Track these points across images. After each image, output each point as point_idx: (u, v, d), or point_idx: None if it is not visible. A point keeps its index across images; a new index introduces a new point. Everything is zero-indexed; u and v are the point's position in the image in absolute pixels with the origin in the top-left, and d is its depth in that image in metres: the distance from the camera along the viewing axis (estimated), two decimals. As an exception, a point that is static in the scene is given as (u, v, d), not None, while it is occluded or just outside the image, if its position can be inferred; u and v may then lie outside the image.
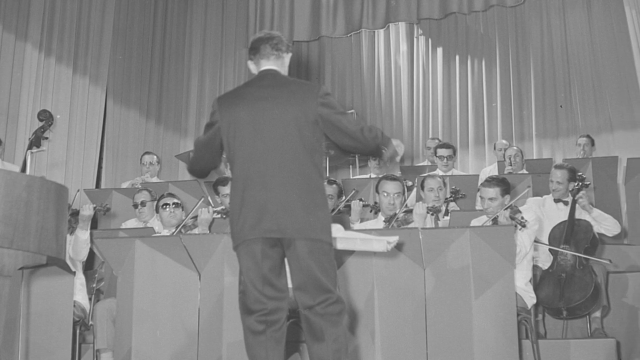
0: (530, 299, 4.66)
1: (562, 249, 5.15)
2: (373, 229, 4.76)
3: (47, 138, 5.13)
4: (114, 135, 9.28)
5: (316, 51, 11.18)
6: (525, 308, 4.57)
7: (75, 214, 5.15)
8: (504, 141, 8.61)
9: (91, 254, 5.43)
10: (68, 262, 4.78)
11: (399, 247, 4.02)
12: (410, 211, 5.04)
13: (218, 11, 10.97)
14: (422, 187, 5.55)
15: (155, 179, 7.51)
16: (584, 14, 9.64)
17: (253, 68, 3.34)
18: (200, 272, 4.41)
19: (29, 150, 5.05)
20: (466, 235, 4.08)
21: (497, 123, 10.03)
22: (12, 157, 7.41)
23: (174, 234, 5.00)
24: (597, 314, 5.12)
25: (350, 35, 10.59)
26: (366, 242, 3.36)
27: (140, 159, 7.76)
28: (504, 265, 4.07)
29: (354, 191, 6.13)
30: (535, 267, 5.09)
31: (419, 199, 5.67)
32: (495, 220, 4.64)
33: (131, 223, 6.12)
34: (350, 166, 8.74)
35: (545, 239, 5.31)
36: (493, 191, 4.76)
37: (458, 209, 5.79)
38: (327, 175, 6.98)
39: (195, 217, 5.21)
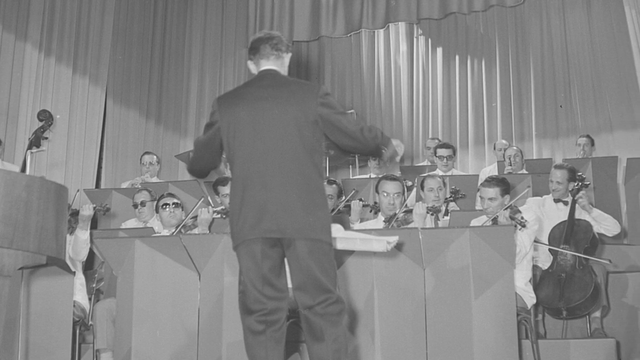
0: (530, 299, 4.66)
1: (562, 249, 5.15)
2: (373, 229, 4.76)
3: (46, 138, 5.13)
4: (113, 135, 9.28)
5: (316, 51, 11.18)
6: (525, 308, 4.57)
7: (75, 214, 5.15)
8: (503, 141, 8.61)
9: (91, 254, 5.43)
10: (68, 262, 4.78)
11: (398, 247, 4.02)
12: (410, 211, 5.04)
13: (218, 11, 10.97)
14: (422, 187, 5.55)
15: (155, 179, 7.51)
16: (584, 14, 9.64)
17: (253, 68, 3.34)
18: (200, 272, 4.41)
19: (28, 150, 5.06)
20: (466, 235, 4.08)
21: (497, 123, 10.03)
22: (11, 157, 7.41)
23: (174, 234, 5.00)
24: (597, 314, 5.12)
25: (350, 35, 10.58)
26: (366, 242, 3.36)
27: (140, 159, 7.76)
28: (504, 265, 4.07)
29: (353, 191, 6.13)
30: (535, 267, 5.09)
31: (418, 199, 5.67)
32: (495, 220, 4.64)
33: (131, 223, 6.12)
34: (350, 166, 8.74)
35: (545, 239, 5.31)
36: (493, 191, 4.76)
37: (458, 209, 5.79)
38: (327, 175, 6.98)
39: (195, 217, 5.21)
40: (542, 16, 9.97)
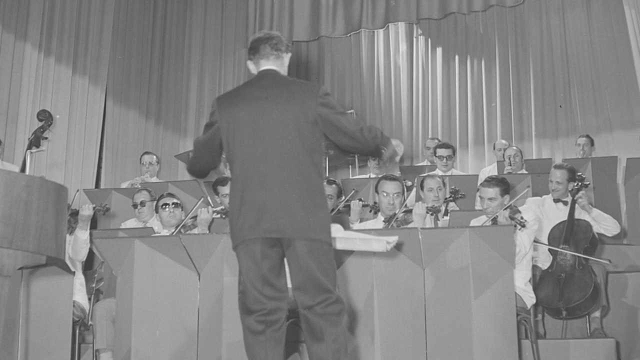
0: (529, 299, 4.66)
1: (562, 249, 5.15)
2: (372, 229, 4.76)
3: (46, 138, 5.13)
4: (113, 135, 9.28)
5: (316, 51, 11.17)
6: (524, 308, 4.57)
7: (75, 214, 5.15)
8: (503, 141, 8.61)
9: (91, 254, 5.43)
10: (67, 262, 4.78)
11: (398, 247, 4.02)
12: (409, 211, 5.04)
13: (217, 11, 10.97)
14: (422, 187, 5.55)
15: (154, 179, 7.51)
16: (584, 14, 9.64)
17: (252, 68, 3.34)
18: (199, 272, 4.41)
19: (28, 150, 5.05)
20: (466, 235, 4.08)
21: (496, 123, 10.03)
22: (11, 157, 7.41)
23: (174, 234, 5.00)
24: (597, 314, 5.12)
25: (350, 35, 10.58)
26: (366, 242, 3.36)
27: (140, 159, 7.76)
28: (504, 265, 4.07)
29: (353, 191, 6.13)
30: (534, 267, 5.10)
31: (418, 199, 5.67)
32: (494, 220, 4.64)
33: (131, 223, 6.12)
34: (350, 166, 8.74)
35: (544, 239, 5.31)
36: (492, 191, 4.76)
37: (457, 209, 5.79)
38: (327, 175, 6.99)
39: (195, 217, 5.21)
40: (541, 16, 9.98)
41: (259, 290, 3.06)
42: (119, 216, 6.70)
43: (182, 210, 5.37)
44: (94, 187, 8.54)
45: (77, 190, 7.00)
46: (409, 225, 4.92)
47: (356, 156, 8.00)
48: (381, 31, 10.72)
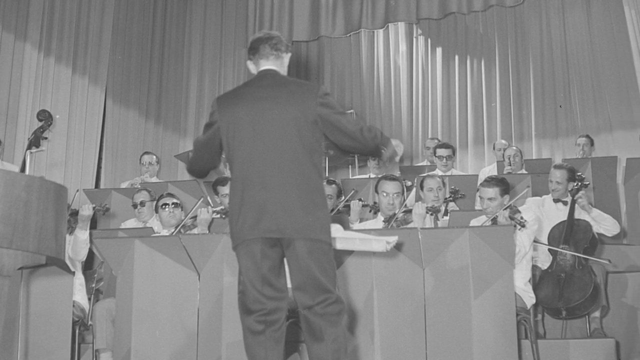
0: (529, 299, 4.66)
1: (562, 249, 5.15)
2: (372, 229, 4.76)
3: (46, 138, 5.13)
4: (113, 135, 9.28)
5: (315, 51, 11.17)
6: (524, 308, 4.57)
7: (75, 214, 5.15)
8: (503, 141, 8.61)
9: (90, 254, 5.42)
10: (67, 262, 4.78)
11: (398, 247, 4.02)
12: (409, 211, 5.04)
13: (217, 11, 10.97)
14: (422, 187, 5.55)
15: (154, 179, 7.51)
16: (583, 14, 9.64)
17: (252, 68, 3.34)
18: (199, 272, 4.41)
19: (28, 150, 5.05)
20: (465, 235, 4.08)
21: (496, 123, 10.03)
22: (11, 157, 7.41)
23: (173, 234, 5.00)
24: (597, 314, 5.12)
25: (350, 35, 10.58)
26: (365, 242, 3.36)
27: (140, 159, 7.76)
28: (503, 265, 4.07)
29: (353, 191, 6.13)
30: (534, 267, 5.10)
31: (418, 199, 5.67)
32: (494, 220, 4.64)
33: (130, 223, 6.12)
34: (350, 166, 8.74)
35: (544, 239, 5.31)
36: (492, 191, 4.76)
37: (457, 209, 5.79)
38: (327, 175, 6.99)
39: (195, 217, 5.21)
40: (541, 16, 9.98)
41: (258, 290, 3.06)
42: (119, 216, 6.70)
43: (181, 210, 5.37)
44: (93, 187, 8.54)
45: (77, 190, 7.00)
46: (409, 225, 4.92)
47: (356, 156, 8.00)
48: (381, 31, 10.72)
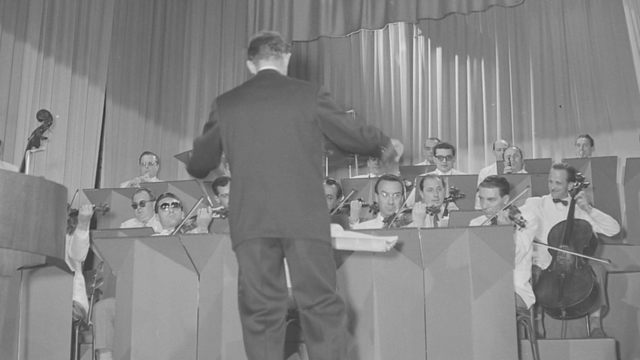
0: (529, 299, 4.66)
1: (561, 249, 5.15)
2: (372, 229, 4.76)
3: (46, 138, 5.13)
4: (113, 135, 9.28)
5: (315, 51, 11.17)
6: (524, 308, 4.57)
7: (75, 214, 5.15)
8: (503, 141, 8.61)
9: (90, 254, 5.42)
10: (67, 262, 4.78)
11: (398, 247, 4.02)
12: (409, 211, 5.04)
13: (217, 11, 10.97)
14: (421, 187, 5.55)
15: (154, 179, 7.51)
16: (583, 14, 9.64)
17: (252, 68, 3.34)
18: (199, 272, 4.41)
19: (28, 150, 5.05)
20: (465, 235, 4.08)
21: (496, 123, 10.03)
22: (11, 157, 7.41)
23: (173, 234, 5.00)
24: (596, 314, 5.12)
25: (350, 35, 10.58)
26: (365, 242, 3.36)
27: (140, 159, 7.76)
28: (503, 265, 4.07)
29: (353, 191, 6.13)
30: (534, 267, 5.10)
31: (418, 199, 5.67)
32: (494, 220, 4.64)
33: (130, 223, 6.12)
34: (350, 166, 8.74)
35: (544, 239, 5.31)
36: (492, 191, 4.76)
37: (457, 209, 5.79)
38: (327, 175, 6.98)
39: (195, 217, 5.21)
40: (541, 16, 9.97)
41: (258, 290, 3.06)
42: (119, 216, 6.70)
43: (181, 210, 5.37)
44: (93, 187, 8.55)
45: (77, 190, 7.00)
46: (409, 225, 4.92)
47: (356, 156, 8.00)
48: (381, 31, 10.72)
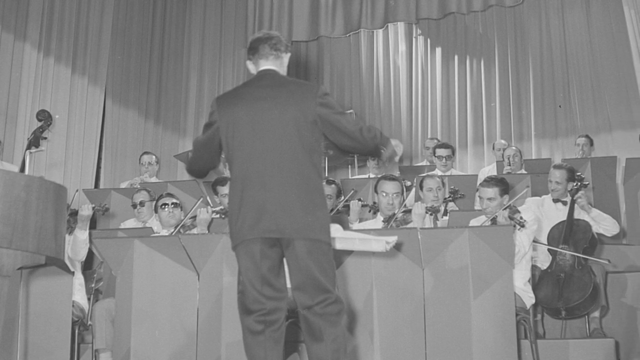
0: (529, 299, 4.66)
1: (561, 249, 5.15)
2: (372, 229, 4.76)
3: (45, 138, 5.13)
4: (112, 135, 9.28)
5: (315, 51, 11.17)
6: (524, 308, 4.57)
7: (74, 214, 5.15)
8: (502, 141, 8.61)
9: (90, 254, 5.42)
10: (67, 262, 4.78)
11: (397, 247, 4.02)
12: (409, 211, 5.04)
13: (217, 11, 10.97)
14: (421, 187, 5.55)
15: (154, 179, 7.51)
16: (583, 14, 9.65)
17: (252, 68, 3.35)
18: (199, 272, 4.41)
19: (27, 150, 5.05)
20: (465, 235, 4.08)
21: (496, 123, 10.03)
22: (10, 157, 7.41)
23: (173, 234, 5.00)
24: (596, 314, 5.12)
25: (349, 35, 10.58)
26: (365, 242, 3.36)
27: (139, 159, 7.76)
28: (503, 265, 4.07)
29: (352, 191, 6.13)
30: (534, 267, 5.10)
31: (417, 199, 5.67)
32: (494, 220, 4.64)
33: (130, 223, 6.12)
34: (349, 166, 8.74)
35: (544, 239, 5.31)
36: (492, 191, 4.76)
37: (457, 209, 5.79)
38: (326, 175, 6.99)
39: (194, 217, 5.21)
40: (541, 16, 9.98)
41: (258, 290, 3.06)
42: (118, 216, 6.70)
43: (181, 210, 5.37)
44: (93, 187, 8.55)
45: (77, 190, 6.99)
46: (408, 225, 4.92)
47: (355, 156, 7.99)
48: (380, 31, 10.72)
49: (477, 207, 5.75)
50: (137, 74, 9.84)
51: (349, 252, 4.14)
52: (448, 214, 5.43)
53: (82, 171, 8.58)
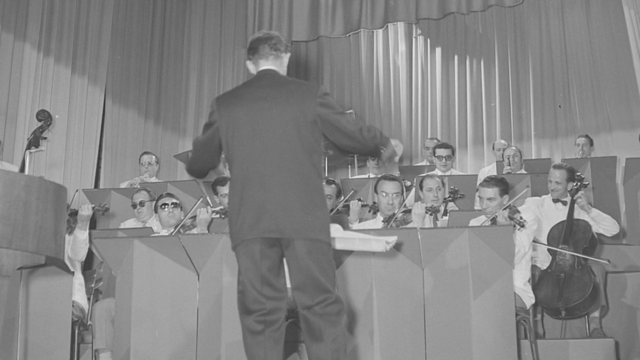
0: (528, 299, 4.66)
1: (561, 249, 5.15)
2: (372, 229, 4.76)
3: (45, 138, 5.13)
4: (112, 135, 9.28)
5: (315, 51, 11.17)
6: (524, 308, 4.57)
7: (74, 214, 5.15)
8: (502, 141, 8.61)
9: (90, 254, 5.42)
10: (67, 262, 4.78)
11: (397, 247, 4.02)
12: (409, 211, 5.04)
13: (217, 11, 10.97)
14: (421, 187, 5.55)
15: (153, 179, 7.51)
16: (583, 14, 9.65)
17: (252, 68, 3.34)
18: (199, 272, 4.41)
19: (27, 150, 5.05)
20: (465, 235, 4.08)
21: (495, 123, 10.03)
22: (10, 157, 7.41)
23: (173, 234, 5.00)
24: (596, 314, 5.12)
25: (349, 35, 10.58)
26: (365, 242, 3.36)
27: (139, 159, 7.76)
28: (503, 265, 4.07)
29: (352, 191, 6.13)
30: (534, 267, 5.09)
31: (417, 199, 5.66)
32: (494, 220, 4.64)
33: (130, 223, 6.12)
34: (349, 166, 8.74)
35: (544, 239, 5.31)
36: (492, 191, 4.76)
37: (457, 209, 5.79)
38: (326, 175, 6.99)
39: (194, 217, 5.21)
40: (541, 16, 9.98)
41: (258, 290, 3.06)
42: (118, 216, 6.70)
43: (181, 210, 5.37)
44: (93, 187, 8.55)
45: (77, 190, 6.99)
46: (408, 225, 4.92)
47: (355, 156, 7.99)
48: (380, 31, 10.71)
49: (477, 207, 5.75)
50: (137, 74, 9.84)
51: (349, 252, 4.14)
52: (448, 214, 5.43)
53: (82, 171, 8.59)
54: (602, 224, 5.44)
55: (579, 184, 5.57)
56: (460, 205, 6.00)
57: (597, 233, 5.34)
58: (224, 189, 5.66)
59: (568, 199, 5.54)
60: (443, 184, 5.73)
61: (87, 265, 5.64)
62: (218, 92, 10.11)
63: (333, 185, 6.09)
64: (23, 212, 2.38)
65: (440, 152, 7.12)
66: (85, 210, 5.11)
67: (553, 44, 9.83)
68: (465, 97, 10.28)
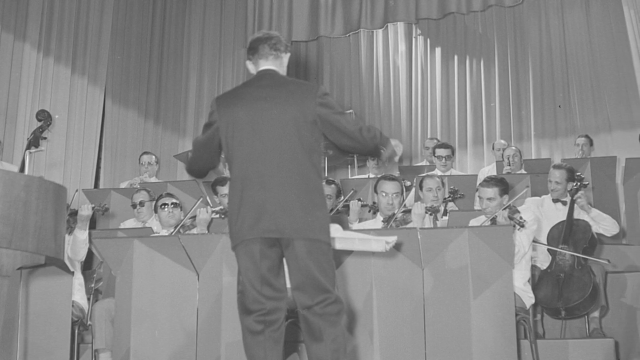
0: (528, 299, 4.66)
1: (561, 249, 5.15)
2: (372, 229, 4.76)
3: (45, 138, 5.13)
4: (112, 135, 9.28)
5: (315, 51, 11.17)
6: (523, 308, 4.57)
7: (74, 214, 5.15)
8: (502, 141, 8.61)
9: (90, 254, 5.42)
10: (66, 262, 4.78)
11: (397, 247, 4.02)
12: (408, 211, 5.04)
13: (216, 11, 10.97)
14: (421, 187, 5.55)
15: (153, 179, 7.51)
16: (583, 14, 9.65)
17: (251, 68, 3.35)
18: (198, 272, 4.41)
19: (27, 150, 5.05)
20: (465, 235, 4.08)
21: (495, 123, 10.03)
22: (10, 157, 7.41)
23: (173, 234, 5.00)
24: (596, 314, 5.12)
25: (349, 35, 10.58)
26: (365, 242, 3.36)
27: (139, 159, 7.76)
28: (503, 265, 4.07)
29: (352, 191, 6.13)
30: (533, 267, 5.09)
31: (417, 199, 5.67)
32: (493, 220, 4.64)
33: (130, 223, 6.12)
34: (349, 166, 8.73)
35: (543, 239, 5.31)
36: (491, 191, 4.76)
37: (456, 209, 5.79)
38: (326, 175, 6.99)
39: (194, 217, 5.21)
40: (540, 16, 9.98)
41: (257, 290, 3.06)
42: (118, 216, 6.70)
43: (181, 210, 5.37)
44: (93, 187, 8.55)
45: (76, 190, 6.99)
46: (408, 225, 4.92)
47: (355, 156, 7.99)
48: (380, 31, 10.72)
49: (476, 207, 5.75)
50: (137, 74, 9.84)
51: (349, 252, 4.14)
52: (448, 214, 5.43)
53: (82, 171, 8.59)
54: (602, 224, 5.44)
55: (578, 184, 5.57)
56: (460, 205, 6.01)
57: (597, 233, 5.34)
58: (224, 189, 5.66)
59: (568, 199, 5.54)
60: (443, 184, 5.74)
61: (87, 265, 5.64)
62: (218, 92, 10.12)
63: (333, 185, 6.09)
64: (23, 212, 2.38)
65: (440, 152, 7.12)
66: (85, 210, 5.11)
67: (553, 44, 9.83)
68: (465, 97, 10.28)
